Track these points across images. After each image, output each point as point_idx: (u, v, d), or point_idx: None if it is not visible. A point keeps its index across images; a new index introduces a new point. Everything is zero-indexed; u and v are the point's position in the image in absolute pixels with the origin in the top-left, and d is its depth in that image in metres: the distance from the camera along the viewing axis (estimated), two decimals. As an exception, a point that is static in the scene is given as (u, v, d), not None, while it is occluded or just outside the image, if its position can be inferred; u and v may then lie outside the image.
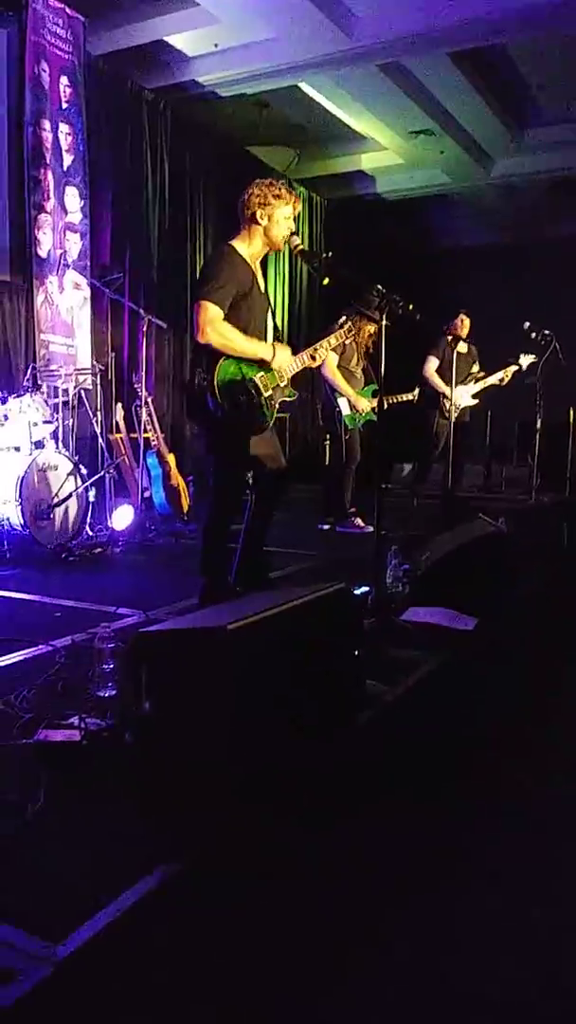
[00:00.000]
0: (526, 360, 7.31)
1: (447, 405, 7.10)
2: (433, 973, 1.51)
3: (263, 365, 3.59)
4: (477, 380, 7.31)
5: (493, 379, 7.34)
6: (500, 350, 7.42)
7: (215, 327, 3.41)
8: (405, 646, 3.27)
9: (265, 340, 3.66)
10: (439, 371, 7.39)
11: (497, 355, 7.46)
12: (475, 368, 7.29)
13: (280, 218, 3.58)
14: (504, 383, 7.39)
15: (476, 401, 7.49)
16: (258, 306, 3.65)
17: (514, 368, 7.33)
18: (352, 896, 1.74)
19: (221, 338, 3.42)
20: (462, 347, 7.55)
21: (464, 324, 7.45)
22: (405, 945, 1.59)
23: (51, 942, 1.49)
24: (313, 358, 3.94)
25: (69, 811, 2.02)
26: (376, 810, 2.09)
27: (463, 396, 7.41)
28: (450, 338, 7.01)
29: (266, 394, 3.59)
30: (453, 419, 7.21)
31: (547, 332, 7.29)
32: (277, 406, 3.71)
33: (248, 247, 3.62)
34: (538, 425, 7.55)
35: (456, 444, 7.23)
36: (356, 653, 2.57)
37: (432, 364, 7.43)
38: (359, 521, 6.37)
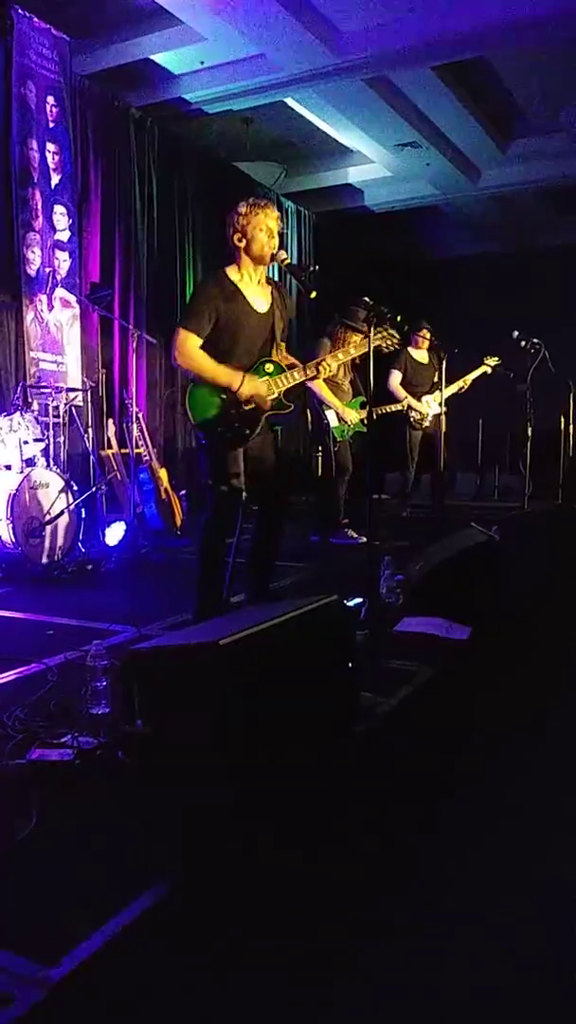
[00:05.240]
0: (491, 362, 7.32)
1: (414, 416, 7.46)
2: (431, 990, 1.50)
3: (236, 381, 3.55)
4: (440, 389, 7.24)
5: (457, 384, 7.24)
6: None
7: (183, 351, 3.51)
8: (399, 657, 3.27)
9: (258, 361, 3.66)
10: (402, 383, 7.51)
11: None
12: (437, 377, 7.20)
13: (254, 232, 3.58)
14: (463, 389, 7.32)
15: (444, 409, 7.37)
16: (248, 330, 3.63)
17: (478, 372, 7.32)
18: (350, 910, 1.72)
19: (190, 361, 3.52)
20: (423, 357, 7.61)
21: (425, 336, 7.46)
22: (403, 961, 1.57)
23: (45, 965, 1.47)
24: (318, 371, 3.82)
25: (63, 831, 2.00)
26: (372, 822, 2.08)
27: (432, 405, 7.45)
28: (409, 349, 7.45)
29: (247, 408, 3.59)
30: (423, 429, 7.46)
31: (536, 341, 7.30)
32: (262, 419, 3.69)
33: (238, 271, 3.64)
34: (529, 433, 7.55)
35: (429, 454, 7.38)
36: (350, 665, 2.57)
37: (395, 377, 7.49)
38: (352, 532, 6.38)
